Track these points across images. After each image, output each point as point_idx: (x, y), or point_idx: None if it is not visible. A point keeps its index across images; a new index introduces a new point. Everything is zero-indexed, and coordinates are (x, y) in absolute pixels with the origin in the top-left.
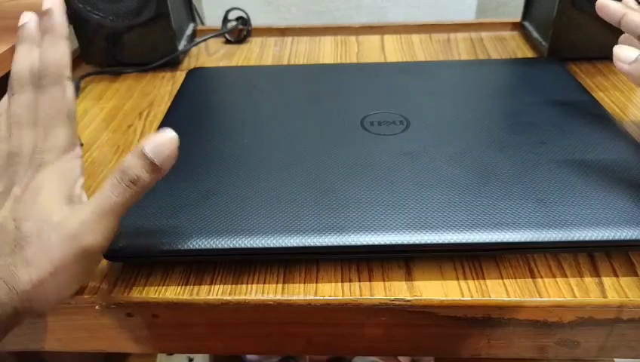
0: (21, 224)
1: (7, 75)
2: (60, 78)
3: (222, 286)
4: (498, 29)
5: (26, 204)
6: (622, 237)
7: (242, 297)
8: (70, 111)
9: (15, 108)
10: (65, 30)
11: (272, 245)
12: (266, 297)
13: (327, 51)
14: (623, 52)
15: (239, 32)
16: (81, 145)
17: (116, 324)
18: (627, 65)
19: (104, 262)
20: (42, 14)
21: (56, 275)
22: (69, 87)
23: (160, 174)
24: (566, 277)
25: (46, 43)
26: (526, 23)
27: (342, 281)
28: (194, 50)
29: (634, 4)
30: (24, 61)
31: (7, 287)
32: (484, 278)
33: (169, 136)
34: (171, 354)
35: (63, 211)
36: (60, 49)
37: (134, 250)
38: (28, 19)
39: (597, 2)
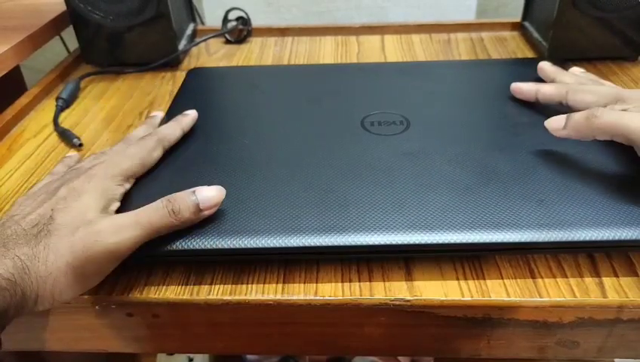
0: (56, 214)
1: (7, 75)
2: (159, 141)
3: (222, 286)
4: (498, 30)
5: (67, 201)
6: (622, 237)
7: (242, 297)
8: (144, 162)
9: (109, 150)
10: (187, 127)
11: (272, 245)
12: (266, 297)
13: (327, 51)
14: (552, 123)
15: (239, 32)
16: (81, 145)
17: (116, 324)
18: (563, 131)
19: None
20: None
21: (73, 268)
22: (159, 151)
23: (200, 218)
24: (566, 277)
25: (171, 123)
26: (526, 24)
27: (342, 281)
28: (194, 50)
29: (549, 67)
30: (140, 132)
31: (23, 266)
32: (484, 278)
33: (221, 192)
34: (171, 354)
35: (97, 214)
36: (174, 131)
37: (135, 250)
38: (157, 114)
39: (511, 87)
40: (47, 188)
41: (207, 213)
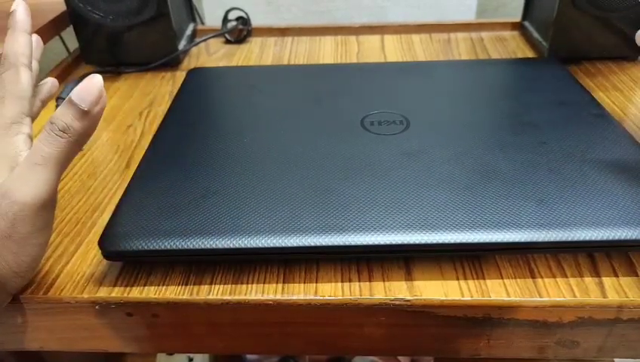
0: None
1: None
2: (15, 64)
3: (222, 286)
4: (498, 29)
5: None
6: (622, 237)
7: (242, 297)
8: (21, 92)
9: None
10: (25, 25)
11: (272, 245)
12: (266, 297)
13: (327, 51)
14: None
15: (239, 32)
16: None
17: (116, 324)
18: None
19: (104, 262)
20: (10, 14)
21: (6, 238)
22: (24, 72)
23: (90, 121)
24: (566, 277)
25: (8, 35)
26: (526, 23)
27: (342, 281)
28: (194, 50)
29: None
30: None
31: None
32: (484, 278)
33: (94, 80)
34: (171, 354)
35: (3, 176)
36: (17, 40)
37: (134, 250)
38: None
39: (636, 36)
40: None
41: (96, 109)
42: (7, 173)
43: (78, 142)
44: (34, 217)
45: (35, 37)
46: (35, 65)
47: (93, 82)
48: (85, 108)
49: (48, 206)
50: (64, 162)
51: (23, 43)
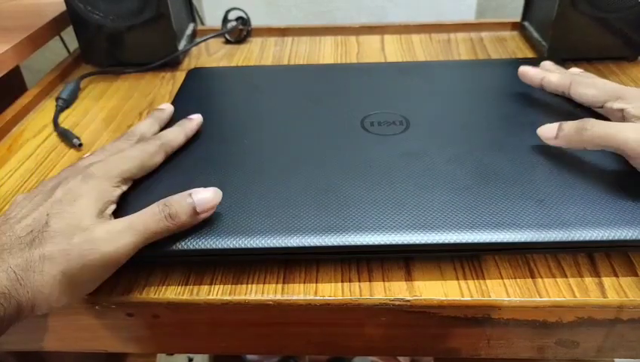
0: (51, 220)
1: (7, 75)
2: (161, 146)
3: (222, 286)
4: (498, 30)
5: (63, 204)
6: (622, 237)
7: (242, 297)
8: (144, 165)
9: (109, 146)
10: (190, 132)
11: (272, 245)
12: (266, 297)
13: (327, 51)
14: (544, 132)
15: (239, 32)
16: (81, 145)
17: (117, 324)
18: (555, 140)
19: None
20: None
21: (69, 276)
22: (160, 156)
23: (197, 221)
24: (566, 277)
25: (174, 128)
26: (526, 24)
27: (342, 281)
28: (194, 50)
29: (551, 66)
30: (143, 127)
31: (17, 278)
32: (484, 278)
33: (217, 194)
34: (171, 354)
35: (93, 220)
36: (177, 136)
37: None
38: (165, 107)
39: (519, 70)
40: (44, 186)
41: (203, 215)
42: (96, 215)
43: (173, 230)
44: (101, 271)
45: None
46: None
47: (217, 195)
48: (200, 213)
49: (117, 265)
50: (153, 239)
51: (178, 140)
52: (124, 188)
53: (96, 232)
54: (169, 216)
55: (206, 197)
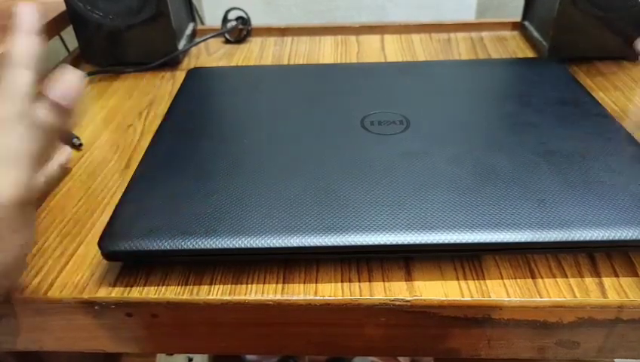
0: None
1: None
2: (15, 65)
3: (222, 286)
4: (498, 29)
5: None
6: (622, 237)
7: (242, 297)
8: (16, 91)
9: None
10: (28, 25)
11: (272, 245)
12: (266, 297)
13: (327, 51)
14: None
15: (239, 31)
16: (81, 145)
17: (116, 324)
18: None
19: (104, 262)
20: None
21: None
22: (22, 75)
23: (69, 117)
24: (566, 277)
25: (12, 36)
26: (526, 23)
27: (342, 281)
28: (194, 49)
29: None
30: None
31: None
32: (484, 278)
33: (73, 76)
34: (171, 354)
35: None
36: (20, 41)
37: (134, 250)
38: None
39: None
40: None
41: (74, 104)
42: None
43: (51, 139)
44: (10, 215)
45: (40, 38)
46: (39, 66)
47: (70, 76)
48: (65, 105)
49: (25, 203)
50: (38, 158)
51: (26, 44)
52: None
53: None
54: (37, 128)
55: (64, 84)
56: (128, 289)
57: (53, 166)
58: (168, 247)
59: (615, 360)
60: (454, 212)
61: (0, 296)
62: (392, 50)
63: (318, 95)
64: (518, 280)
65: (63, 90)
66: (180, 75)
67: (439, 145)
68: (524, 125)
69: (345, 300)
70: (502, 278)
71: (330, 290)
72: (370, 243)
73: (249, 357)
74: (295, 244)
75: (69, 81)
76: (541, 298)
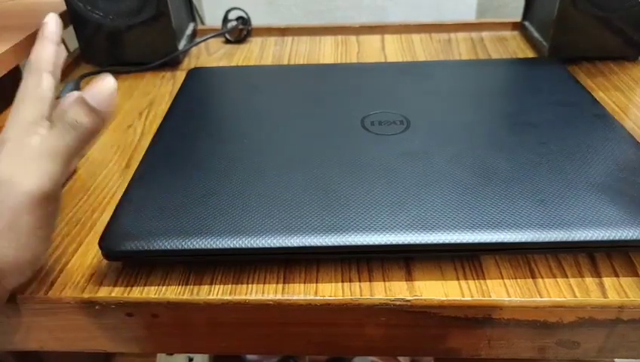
0: None
1: (7, 75)
2: (39, 69)
3: (222, 286)
4: (499, 29)
5: None
6: (622, 237)
7: (242, 297)
8: (41, 95)
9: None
10: (54, 36)
11: (272, 245)
12: (266, 297)
13: (327, 51)
14: None
15: (239, 31)
16: None
17: (116, 324)
18: None
19: (104, 262)
20: (42, 25)
21: (7, 231)
22: (46, 77)
23: (100, 118)
24: (566, 277)
25: (36, 44)
26: (527, 23)
27: (342, 281)
28: (194, 50)
29: None
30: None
31: None
32: (484, 278)
33: (106, 81)
34: (171, 354)
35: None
36: (45, 48)
37: (134, 250)
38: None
39: None
40: None
41: (107, 108)
42: None
43: (85, 140)
44: (37, 209)
45: (62, 47)
46: (58, 73)
47: (106, 82)
48: (96, 106)
49: (52, 199)
50: (71, 157)
51: (50, 51)
52: (42, 131)
53: (10, 174)
54: (70, 127)
55: (96, 87)
56: (129, 289)
57: None
58: (169, 247)
59: (615, 360)
60: (454, 212)
61: (8, 292)
62: (393, 50)
63: (318, 95)
64: (519, 280)
65: (98, 95)
66: (180, 75)
67: (439, 145)
68: (525, 125)
69: (345, 300)
70: (502, 278)
71: (330, 290)
72: (371, 243)
73: (249, 357)
74: (295, 244)
75: (104, 86)
76: (541, 298)
